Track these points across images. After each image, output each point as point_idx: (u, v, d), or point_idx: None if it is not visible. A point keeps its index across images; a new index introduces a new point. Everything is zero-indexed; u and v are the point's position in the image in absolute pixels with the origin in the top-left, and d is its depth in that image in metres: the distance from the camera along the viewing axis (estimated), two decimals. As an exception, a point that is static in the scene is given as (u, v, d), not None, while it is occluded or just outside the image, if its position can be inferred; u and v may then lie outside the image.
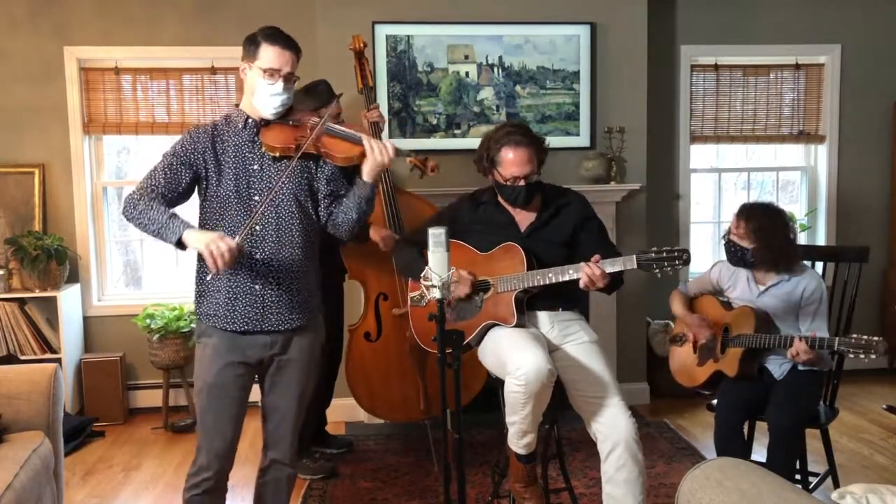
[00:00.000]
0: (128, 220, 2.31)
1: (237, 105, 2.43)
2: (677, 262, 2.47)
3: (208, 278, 2.30)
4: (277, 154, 2.34)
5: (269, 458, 2.48)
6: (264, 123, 2.37)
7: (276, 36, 2.33)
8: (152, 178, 2.31)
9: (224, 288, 2.33)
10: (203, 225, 2.37)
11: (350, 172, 2.44)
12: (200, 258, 2.32)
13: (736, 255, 2.95)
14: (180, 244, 2.24)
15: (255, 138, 2.36)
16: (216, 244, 2.16)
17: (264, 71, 2.29)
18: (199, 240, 2.20)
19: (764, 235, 2.87)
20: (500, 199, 2.80)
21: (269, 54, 2.30)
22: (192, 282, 2.43)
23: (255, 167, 2.34)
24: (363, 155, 2.37)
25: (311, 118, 2.41)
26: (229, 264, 2.19)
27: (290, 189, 2.35)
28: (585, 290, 2.56)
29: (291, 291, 2.37)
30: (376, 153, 2.34)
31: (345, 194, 2.44)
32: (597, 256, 2.52)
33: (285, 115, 2.38)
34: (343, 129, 2.42)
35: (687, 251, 2.48)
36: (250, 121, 2.37)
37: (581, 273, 2.51)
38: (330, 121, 2.40)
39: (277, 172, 2.34)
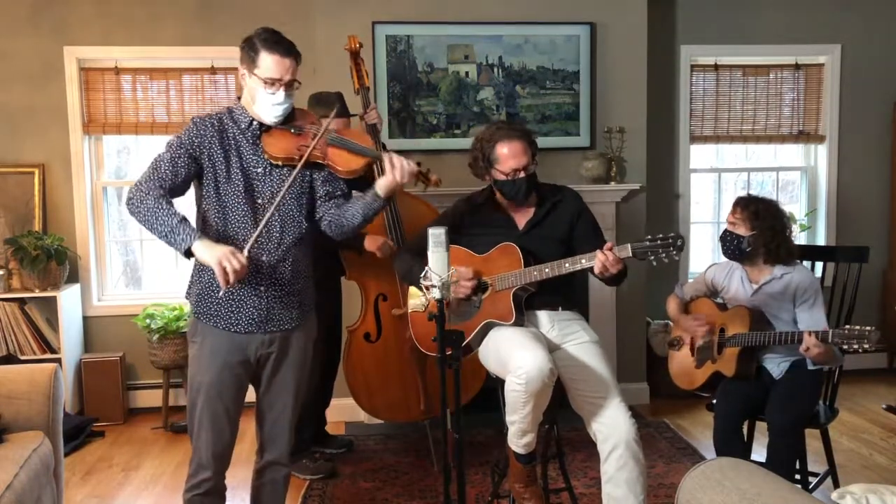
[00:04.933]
0: (132, 214, 2.23)
1: (239, 98, 2.40)
2: (671, 249, 2.44)
3: (220, 294, 2.25)
4: (280, 164, 2.33)
5: (266, 460, 2.48)
6: (265, 128, 2.35)
7: (276, 43, 2.27)
8: (158, 170, 2.24)
9: (228, 290, 2.28)
10: (204, 224, 2.33)
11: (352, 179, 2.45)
12: None
13: (731, 245, 2.92)
14: (188, 253, 2.19)
15: (258, 141, 2.34)
16: (228, 260, 2.13)
17: (264, 81, 2.26)
18: (210, 254, 2.15)
19: (761, 220, 2.86)
20: (497, 198, 2.81)
21: (269, 64, 2.25)
22: (189, 278, 2.40)
23: (259, 170, 2.33)
24: (367, 166, 2.42)
25: (314, 125, 2.40)
26: (239, 280, 2.17)
27: (292, 193, 2.36)
28: (600, 276, 2.52)
29: (293, 293, 2.38)
30: (396, 172, 2.37)
31: (340, 194, 2.45)
32: (610, 244, 2.49)
33: (286, 120, 2.37)
34: (348, 139, 2.43)
35: (681, 237, 2.45)
36: (255, 124, 2.34)
37: (595, 261, 2.49)
38: (333, 128, 2.39)
39: (280, 178, 2.34)
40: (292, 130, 2.36)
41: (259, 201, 2.32)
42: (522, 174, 2.69)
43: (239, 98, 2.39)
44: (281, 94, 2.28)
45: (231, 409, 2.36)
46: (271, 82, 2.26)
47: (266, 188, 2.33)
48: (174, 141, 2.29)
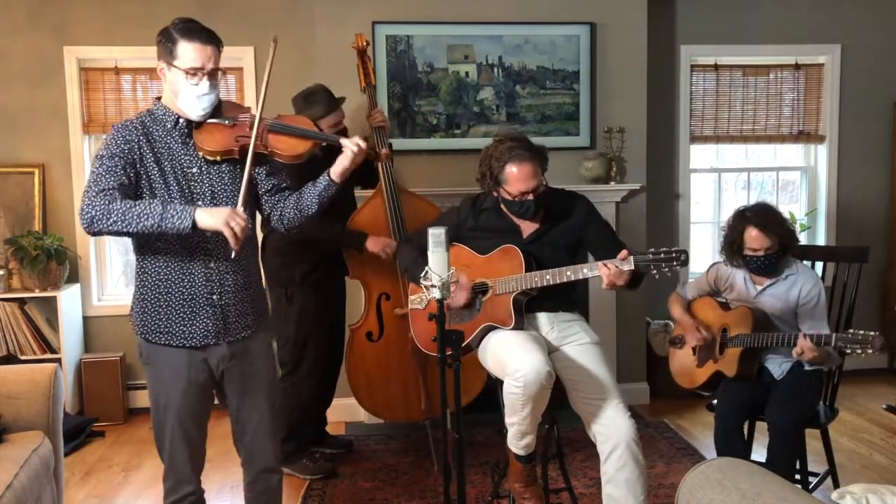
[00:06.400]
0: (101, 231, 2.05)
1: (159, 98, 2.25)
2: (675, 264, 2.42)
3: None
4: (218, 159, 2.19)
5: (256, 471, 2.39)
6: (195, 124, 2.20)
7: (194, 31, 2.14)
8: (100, 182, 2.05)
9: (178, 302, 2.18)
10: (143, 237, 2.14)
11: (297, 166, 2.31)
12: (145, 271, 2.18)
13: (765, 265, 2.87)
14: (192, 227, 2.03)
15: (188, 139, 2.19)
16: (234, 219, 2.04)
17: (186, 71, 2.12)
18: (215, 219, 2.04)
19: (777, 229, 2.85)
20: (502, 206, 2.77)
21: (189, 52, 2.12)
22: (133, 296, 2.26)
23: (195, 170, 2.18)
24: (312, 150, 2.28)
25: (246, 115, 2.25)
26: (246, 236, 2.07)
27: (233, 191, 2.21)
28: (610, 289, 2.50)
29: (247, 298, 2.28)
30: (348, 153, 2.25)
31: (286, 186, 2.34)
32: (624, 252, 2.46)
33: (215, 113, 2.21)
34: (290, 124, 2.29)
35: (685, 252, 2.43)
36: (181, 121, 2.19)
37: (599, 273, 2.48)
38: (269, 115, 2.25)
39: (218, 174, 2.21)
40: (226, 122, 2.20)
41: (200, 203, 2.16)
42: (531, 196, 2.64)
43: (159, 99, 2.25)
44: (205, 84, 2.13)
45: (202, 421, 2.29)
46: (193, 72, 2.12)
47: (205, 188, 2.19)
48: (103, 152, 2.10)
